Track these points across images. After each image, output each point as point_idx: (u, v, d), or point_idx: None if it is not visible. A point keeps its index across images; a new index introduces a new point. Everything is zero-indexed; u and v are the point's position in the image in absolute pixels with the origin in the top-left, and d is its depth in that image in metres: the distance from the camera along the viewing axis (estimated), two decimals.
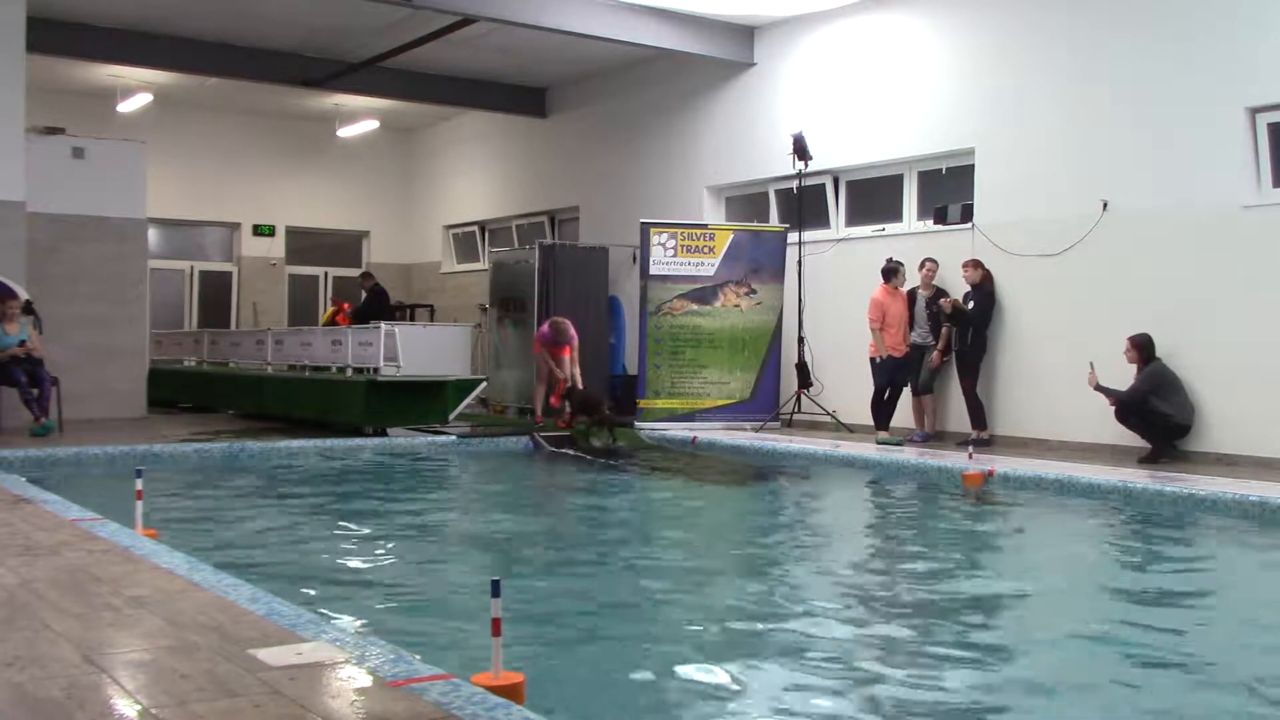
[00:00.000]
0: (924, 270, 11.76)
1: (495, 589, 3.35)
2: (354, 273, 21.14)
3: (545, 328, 12.66)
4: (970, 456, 9.30)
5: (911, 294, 11.88)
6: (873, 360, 11.65)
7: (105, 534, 5.50)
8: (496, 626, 3.34)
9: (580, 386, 12.28)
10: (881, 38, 12.69)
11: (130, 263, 13.26)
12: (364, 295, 17.87)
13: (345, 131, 20.16)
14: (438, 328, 17.37)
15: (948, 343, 11.57)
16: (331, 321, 18.01)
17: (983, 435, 11.01)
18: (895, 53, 12.52)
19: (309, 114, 19.78)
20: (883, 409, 11.64)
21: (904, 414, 11.87)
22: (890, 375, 11.64)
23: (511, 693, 3.25)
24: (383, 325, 12.71)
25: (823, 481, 9.78)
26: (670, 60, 14.77)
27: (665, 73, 15.26)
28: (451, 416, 12.22)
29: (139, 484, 5.84)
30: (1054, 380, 10.79)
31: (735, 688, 4.05)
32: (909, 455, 9.97)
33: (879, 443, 11.17)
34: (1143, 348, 9.75)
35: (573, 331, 12.50)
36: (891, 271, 11.74)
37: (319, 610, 4.16)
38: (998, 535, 7.54)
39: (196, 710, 2.95)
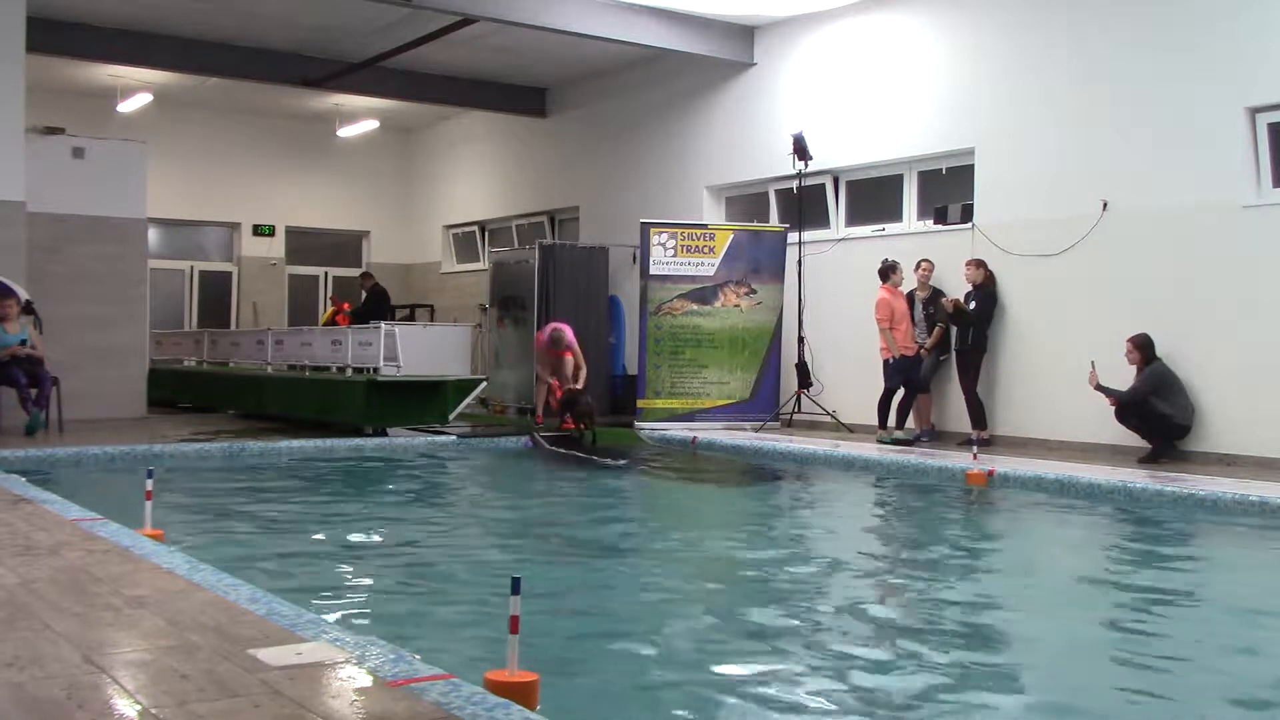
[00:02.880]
0: (920, 271, 11.76)
1: (515, 586, 3.33)
2: (354, 273, 21.18)
3: (544, 334, 12.46)
4: (975, 456, 9.29)
5: (909, 295, 11.88)
6: (886, 361, 11.58)
7: (105, 534, 5.50)
8: (514, 624, 3.32)
9: (575, 387, 12.11)
10: (881, 38, 12.69)
11: (130, 263, 13.24)
12: (364, 295, 17.88)
13: (345, 131, 20.16)
14: (438, 328, 17.37)
15: (938, 342, 11.59)
16: (331, 321, 18.03)
17: (983, 435, 11.01)
18: (895, 53, 12.52)
19: (309, 114, 19.78)
20: (891, 408, 11.59)
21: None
22: (905, 375, 11.58)
23: (526, 691, 3.24)
24: (383, 325, 12.71)
25: (823, 482, 9.78)
26: (670, 60, 14.77)
27: (665, 73, 15.26)
28: (451, 416, 12.21)
29: (149, 484, 5.84)
30: (1054, 380, 10.79)
31: (738, 688, 4.05)
32: (909, 455, 9.96)
33: (879, 441, 11.18)
34: (1144, 348, 9.76)
35: (570, 338, 12.32)
36: (890, 269, 11.71)
37: (319, 610, 4.15)
38: (998, 535, 7.54)
39: (196, 710, 2.95)
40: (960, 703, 3.93)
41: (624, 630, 4.90)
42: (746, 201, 14.73)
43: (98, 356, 12.65)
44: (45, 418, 10.88)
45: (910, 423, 11.74)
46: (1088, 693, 4.08)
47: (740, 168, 14.38)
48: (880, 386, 11.75)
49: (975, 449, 9.77)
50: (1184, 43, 9.96)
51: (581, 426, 11.79)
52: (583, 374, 12.29)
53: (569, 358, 12.28)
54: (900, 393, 11.66)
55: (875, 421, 11.64)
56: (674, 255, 12.88)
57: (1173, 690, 4.13)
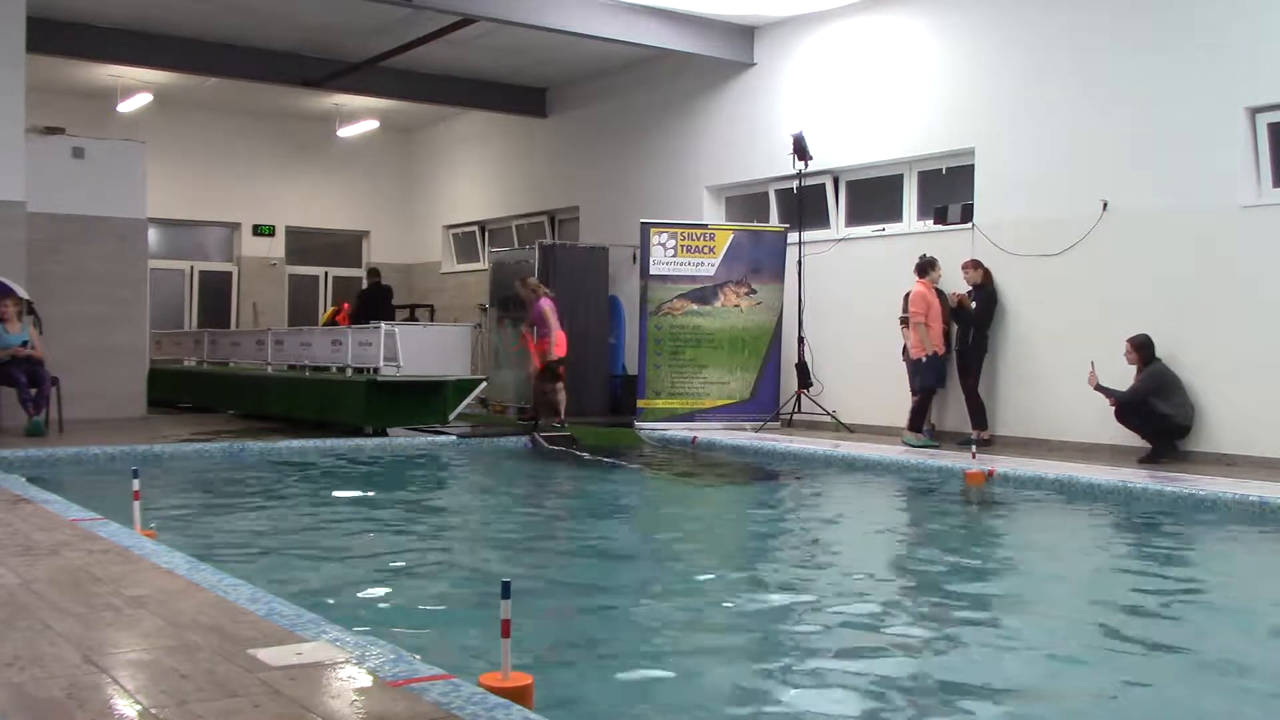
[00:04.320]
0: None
1: (505, 590, 3.33)
2: (354, 273, 21.31)
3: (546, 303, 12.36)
4: (974, 456, 9.28)
5: (909, 295, 11.84)
6: (918, 360, 11.15)
7: (105, 534, 5.50)
8: (506, 628, 3.33)
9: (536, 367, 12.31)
10: (881, 38, 12.69)
11: (130, 263, 13.25)
12: (362, 287, 17.85)
13: (345, 131, 20.16)
14: (438, 328, 17.36)
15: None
16: (331, 322, 18.02)
17: (983, 435, 11.00)
18: (895, 53, 12.52)
19: (309, 114, 19.78)
20: (925, 409, 11.23)
21: (905, 414, 11.83)
22: (939, 373, 11.25)
23: (520, 694, 3.24)
24: (383, 325, 12.71)
25: (823, 482, 9.77)
26: (670, 60, 14.77)
27: (665, 73, 15.25)
28: (451, 416, 12.22)
29: (135, 484, 5.84)
30: (1054, 380, 10.79)
31: (737, 688, 4.05)
32: (909, 455, 9.96)
33: (906, 443, 10.79)
34: (1143, 348, 9.76)
35: (543, 306, 12.31)
36: (930, 265, 11.29)
37: (319, 610, 4.15)
38: (999, 536, 7.54)
39: (196, 710, 2.95)
40: (956, 705, 3.93)
41: (622, 630, 4.90)
42: (746, 201, 14.73)
43: (98, 356, 12.65)
44: (45, 419, 10.88)
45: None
46: (1090, 693, 4.08)
47: (740, 168, 14.38)
48: (884, 386, 11.72)
49: (974, 448, 9.74)
50: (1184, 43, 9.95)
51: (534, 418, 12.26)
52: (549, 343, 12.22)
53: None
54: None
55: (876, 421, 11.60)
56: (674, 255, 12.88)
57: (1170, 690, 4.13)
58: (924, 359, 11.11)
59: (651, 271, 12.87)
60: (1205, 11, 9.85)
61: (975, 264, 11.25)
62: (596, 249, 15.01)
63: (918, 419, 11.14)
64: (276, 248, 20.69)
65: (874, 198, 13.14)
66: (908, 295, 11.78)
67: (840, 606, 5.35)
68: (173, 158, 18.16)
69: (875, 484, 9.50)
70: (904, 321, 11.79)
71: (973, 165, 11.72)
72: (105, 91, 17.60)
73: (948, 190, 12.15)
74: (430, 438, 11.50)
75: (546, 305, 12.30)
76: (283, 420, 12.81)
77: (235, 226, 20.46)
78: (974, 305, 11.25)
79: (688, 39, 13.71)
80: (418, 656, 3.55)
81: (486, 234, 20.01)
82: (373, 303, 17.27)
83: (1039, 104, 11.08)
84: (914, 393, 11.24)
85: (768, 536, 7.56)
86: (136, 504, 5.81)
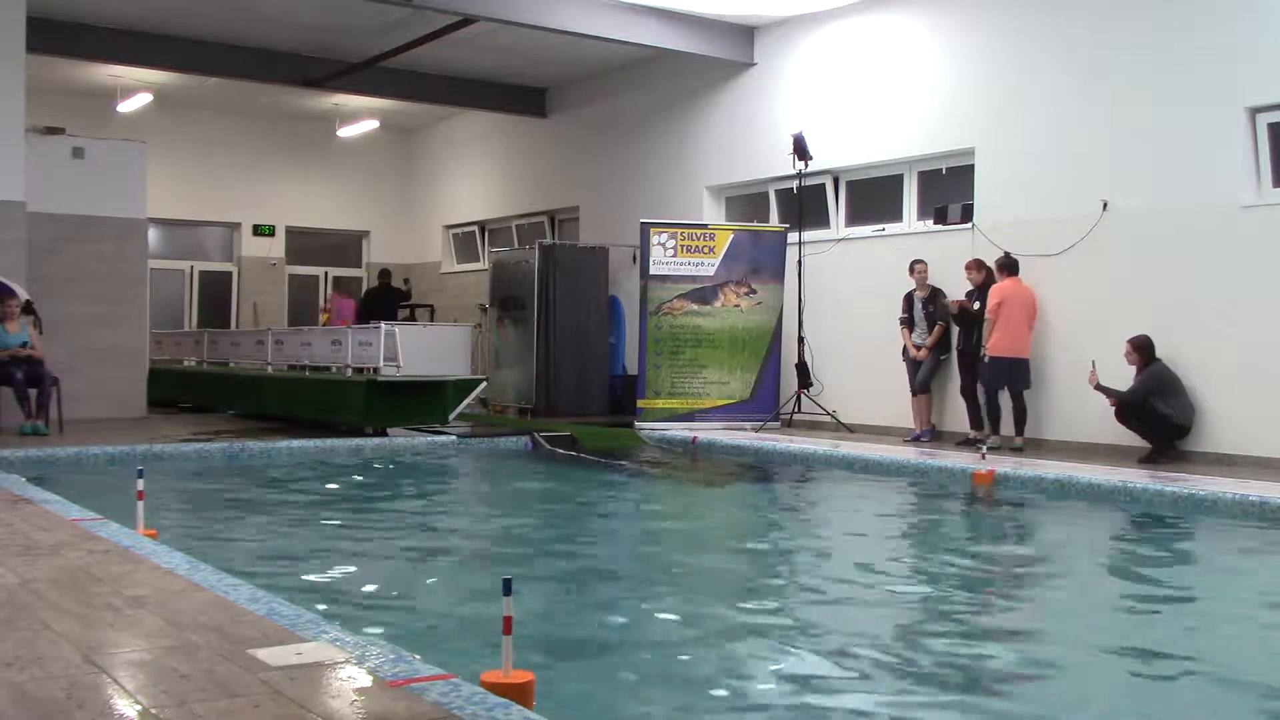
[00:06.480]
0: (917, 271, 11.73)
1: (506, 588, 3.34)
2: (354, 273, 21.34)
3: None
4: (983, 457, 9.24)
5: (909, 295, 11.85)
6: (1023, 360, 10.79)
7: (105, 534, 5.50)
8: (507, 625, 3.33)
9: None
10: (881, 38, 12.69)
11: (130, 263, 13.25)
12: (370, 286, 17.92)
13: (345, 131, 20.16)
14: (438, 328, 17.36)
15: (938, 341, 11.58)
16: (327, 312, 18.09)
17: (982, 436, 10.98)
18: (895, 53, 12.52)
19: (309, 114, 19.78)
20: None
21: (905, 414, 11.85)
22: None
23: (521, 691, 3.24)
24: (383, 325, 12.71)
25: (823, 482, 9.77)
26: (670, 60, 14.77)
27: (665, 73, 15.25)
28: (451, 416, 12.21)
29: (140, 484, 5.84)
30: (1054, 380, 10.79)
31: (739, 687, 4.05)
32: (909, 455, 9.96)
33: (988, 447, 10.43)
34: (1143, 349, 9.75)
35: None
36: (1016, 264, 10.91)
37: (319, 610, 4.16)
38: (1000, 536, 7.54)
39: (196, 710, 2.95)
40: (956, 706, 3.93)
41: (623, 630, 4.90)
42: (746, 201, 14.73)
43: (98, 356, 12.64)
44: (45, 421, 10.85)
45: (912, 422, 11.76)
46: (1085, 696, 4.08)
47: (740, 168, 14.38)
48: (884, 386, 11.68)
49: (984, 449, 9.68)
50: (1184, 43, 9.95)
51: None
52: None
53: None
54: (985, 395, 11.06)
55: (876, 422, 11.59)
56: (674, 255, 12.87)
57: (1170, 690, 4.13)
58: (1027, 359, 10.79)
59: (651, 271, 12.86)
60: (1205, 11, 9.84)
61: (979, 264, 11.22)
62: (596, 249, 15.00)
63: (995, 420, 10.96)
64: (276, 248, 20.69)
65: (874, 198, 13.14)
66: (908, 295, 11.84)
67: (843, 606, 5.35)
68: (173, 158, 18.16)
69: (876, 485, 9.49)
70: (904, 322, 11.82)
71: (973, 165, 11.72)
72: (105, 91, 17.60)
73: (948, 190, 12.15)
74: (430, 438, 11.50)
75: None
76: (283, 420, 12.80)
77: (235, 226, 20.46)
78: (976, 306, 11.23)
79: (688, 39, 13.71)
80: (418, 656, 3.55)
81: (486, 234, 20.00)
82: (378, 303, 17.26)
83: (1039, 104, 11.08)
84: (1019, 396, 10.80)
85: (767, 536, 7.56)
86: (140, 503, 5.81)
